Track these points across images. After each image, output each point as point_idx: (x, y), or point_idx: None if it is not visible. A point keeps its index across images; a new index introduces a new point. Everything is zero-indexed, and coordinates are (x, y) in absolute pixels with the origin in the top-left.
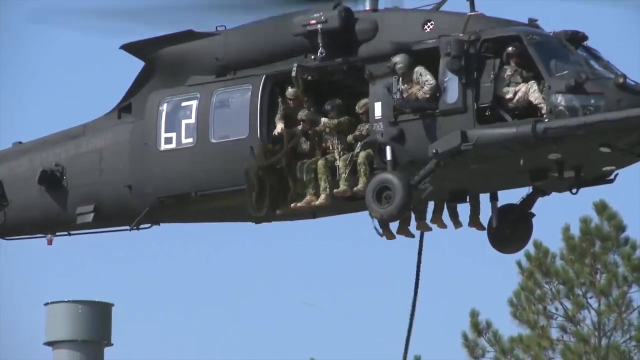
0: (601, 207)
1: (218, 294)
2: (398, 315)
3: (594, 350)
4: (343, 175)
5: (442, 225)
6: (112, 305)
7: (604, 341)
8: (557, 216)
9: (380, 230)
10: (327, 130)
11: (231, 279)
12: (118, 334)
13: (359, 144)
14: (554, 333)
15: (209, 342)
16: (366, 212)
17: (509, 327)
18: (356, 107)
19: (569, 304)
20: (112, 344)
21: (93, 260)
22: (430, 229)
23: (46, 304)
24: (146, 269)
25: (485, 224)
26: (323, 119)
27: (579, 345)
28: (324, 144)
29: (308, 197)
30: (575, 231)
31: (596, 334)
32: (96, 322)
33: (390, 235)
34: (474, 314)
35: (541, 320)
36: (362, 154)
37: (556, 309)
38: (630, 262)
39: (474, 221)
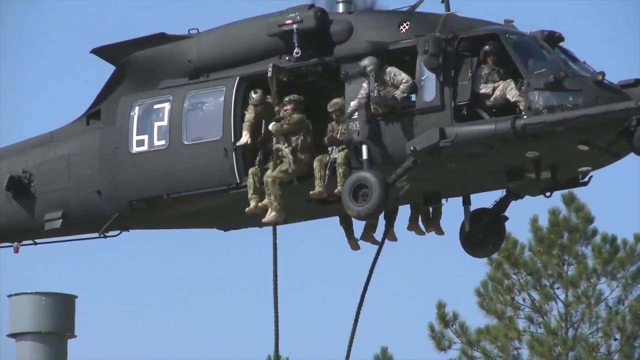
0: (569, 199)
1: (182, 292)
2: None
3: (561, 341)
4: (317, 175)
5: (420, 232)
6: (76, 297)
7: (570, 332)
8: (526, 207)
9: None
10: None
11: (198, 281)
12: (82, 325)
13: (334, 148)
14: (521, 324)
15: (170, 336)
16: (336, 218)
17: (476, 318)
18: (328, 107)
19: (536, 295)
20: (75, 336)
21: (56, 251)
22: (395, 239)
23: (9, 295)
24: (110, 263)
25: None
26: (270, 125)
27: (546, 336)
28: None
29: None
30: (544, 222)
31: (563, 325)
32: (60, 313)
33: (355, 246)
34: (440, 306)
35: (508, 311)
36: (341, 155)
37: (523, 300)
38: (600, 255)
39: (434, 225)
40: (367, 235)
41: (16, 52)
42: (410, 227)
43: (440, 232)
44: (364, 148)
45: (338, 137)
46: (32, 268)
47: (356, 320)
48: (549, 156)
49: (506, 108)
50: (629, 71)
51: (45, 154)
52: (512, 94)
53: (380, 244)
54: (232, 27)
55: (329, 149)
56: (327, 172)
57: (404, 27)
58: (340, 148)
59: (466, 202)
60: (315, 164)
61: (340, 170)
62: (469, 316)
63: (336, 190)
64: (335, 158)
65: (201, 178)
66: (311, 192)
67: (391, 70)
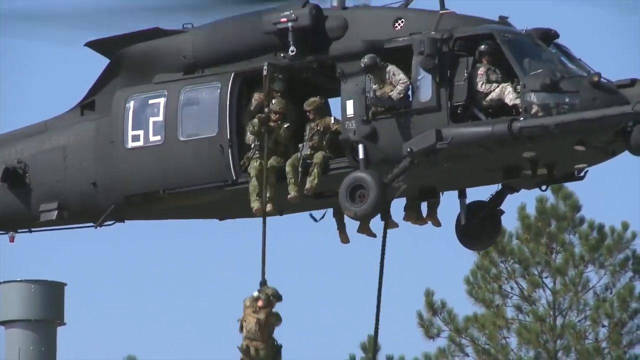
0: (557, 187)
1: (173, 280)
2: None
3: (549, 329)
4: (292, 180)
5: (417, 221)
6: (65, 284)
7: (559, 320)
8: (513, 196)
9: (317, 217)
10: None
11: (188, 268)
12: (71, 313)
13: (304, 144)
14: (509, 312)
15: (160, 324)
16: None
17: (464, 306)
18: (305, 105)
19: (524, 283)
20: (65, 323)
21: (44, 240)
22: (397, 226)
23: None
24: (99, 250)
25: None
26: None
27: (534, 324)
28: None
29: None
30: (532, 210)
31: (551, 313)
32: (49, 301)
33: (345, 240)
34: (428, 294)
35: (496, 299)
36: (319, 155)
37: (511, 288)
38: (587, 242)
39: (432, 216)
40: (364, 227)
41: (9, 42)
42: (406, 218)
43: (437, 223)
44: (361, 147)
45: (312, 136)
46: (20, 256)
47: (377, 315)
48: (546, 156)
49: (502, 108)
50: (625, 70)
51: (40, 144)
52: (510, 98)
53: (383, 236)
54: (226, 23)
55: (300, 145)
56: (300, 169)
57: (399, 25)
58: (311, 144)
59: (462, 196)
60: (288, 168)
61: (315, 170)
62: (457, 304)
63: (306, 187)
64: (307, 154)
65: (197, 174)
66: (289, 197)
67: (391, 69)
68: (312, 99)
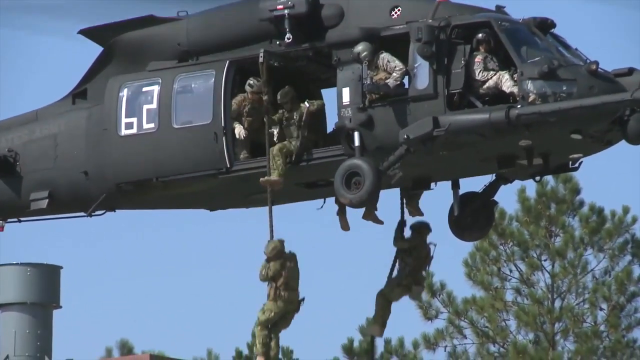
0: None
1: (167, 265)
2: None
3: (547, 312)
4: (275, 165)
5: (379, 222)
6: (61, 267)
7: (557, 303)
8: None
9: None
10: None
11: (184, 255)
12: (67, 296)
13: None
14: (508, 295)
15: (154, 308)
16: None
17: (463, 288)
18: (279, 99)
19: (523, 266)
20: (61, 307)
21: (40, 224)
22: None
23: None
24: (95, 235)
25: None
26: None
27: (533, 306)
28: None
29: None
30: (531, 193)
31: (550, 296)
32: (45, 284)
33: (345, 226)
34: (427, 275)
35: (495, 282)
36: (276, 147)
37: (510, 271)
38: (587, 225)
39: (413, 206)
40: (369, 213)
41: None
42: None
43: (418, 213)
44: (356, 135)
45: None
46: (16, 240)
47: None
48: (542, 144)
49: (498, 96)
50: (623, 59)
51: (31, 133)
52: (507, 86)
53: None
54: (222, 11)
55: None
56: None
57: (396, 13)
58: (277, 135)
59: (455, 186)
60: (275, 151)
61: (276, 161)
62: (456, 286)
63: (262, 179)
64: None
65: (191, 162)
66: (269, 178)
67: (385, 56)
68: (284, 90)
